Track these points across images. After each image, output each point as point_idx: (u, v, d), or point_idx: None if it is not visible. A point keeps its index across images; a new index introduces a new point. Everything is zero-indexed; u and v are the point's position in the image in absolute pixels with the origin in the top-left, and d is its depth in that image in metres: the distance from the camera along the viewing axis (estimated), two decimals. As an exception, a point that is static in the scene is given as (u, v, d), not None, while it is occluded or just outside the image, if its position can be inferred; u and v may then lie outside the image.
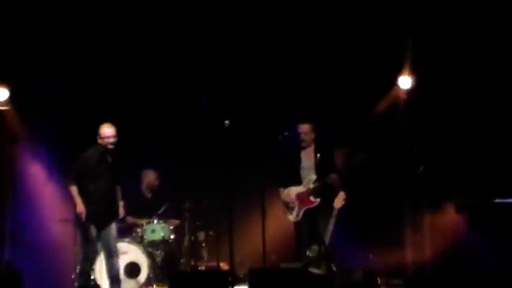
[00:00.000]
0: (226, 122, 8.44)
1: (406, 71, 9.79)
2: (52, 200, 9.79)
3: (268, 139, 9.03)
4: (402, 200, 9.91)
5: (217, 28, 9.94)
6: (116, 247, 8.40)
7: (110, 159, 8.14)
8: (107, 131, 8.01)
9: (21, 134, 9.87)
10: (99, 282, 8.60)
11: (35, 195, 9.92)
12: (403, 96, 9.90)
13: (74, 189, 8.03)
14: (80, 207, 7.98)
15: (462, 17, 9.47)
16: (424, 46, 9.65)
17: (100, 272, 8.72)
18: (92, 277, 8.93)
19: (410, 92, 9.85)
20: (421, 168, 9.31)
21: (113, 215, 8.25)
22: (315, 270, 8.12)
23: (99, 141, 8.07)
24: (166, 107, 10.18)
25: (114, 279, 8.31)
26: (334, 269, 8.16)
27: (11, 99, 9.78)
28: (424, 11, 9.59)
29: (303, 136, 8.50)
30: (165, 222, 9.47)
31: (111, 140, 7.99)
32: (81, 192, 8.11)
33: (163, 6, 9.87)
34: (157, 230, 9.25)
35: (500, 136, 9.41)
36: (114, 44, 10.01)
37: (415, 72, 9.79)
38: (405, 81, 9.82)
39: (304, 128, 8.49)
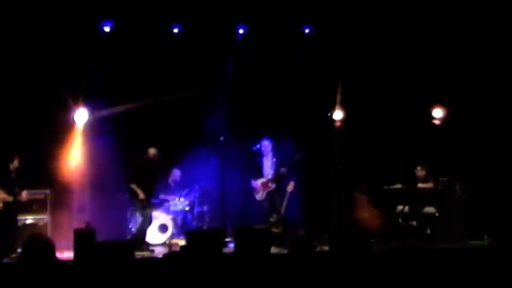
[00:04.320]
0: (222, 138, 11.02)
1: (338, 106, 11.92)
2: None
3: (246, 149, 11.25)
4: (329, 187, 11.91)
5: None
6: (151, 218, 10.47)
7: (153, 166, 10.51)
8: (152, 153, 10.50)
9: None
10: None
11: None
12: (336, 123, 12.09)
13: (134, 186, 10.35)
14: (141, 195, 10.35)
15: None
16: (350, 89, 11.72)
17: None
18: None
19: (341, 121, 11.99)
20: (340, 167, 11.64)
21: (151, 199, 10.56)
22: (274, 230, 10.12)
23: (148, 156, 10.47)
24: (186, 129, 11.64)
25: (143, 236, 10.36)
26: (286, 229, 10.32)
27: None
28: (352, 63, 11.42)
29: (266, 148, 11.01)
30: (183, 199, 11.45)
31: (155, 158, 10.42)
32: (138, 186, 10.28)
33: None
34: (178, 204, 11.43)
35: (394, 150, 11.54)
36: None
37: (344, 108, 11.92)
38: (338, 114, 12.05)
39: (267, 143, 11.10)
